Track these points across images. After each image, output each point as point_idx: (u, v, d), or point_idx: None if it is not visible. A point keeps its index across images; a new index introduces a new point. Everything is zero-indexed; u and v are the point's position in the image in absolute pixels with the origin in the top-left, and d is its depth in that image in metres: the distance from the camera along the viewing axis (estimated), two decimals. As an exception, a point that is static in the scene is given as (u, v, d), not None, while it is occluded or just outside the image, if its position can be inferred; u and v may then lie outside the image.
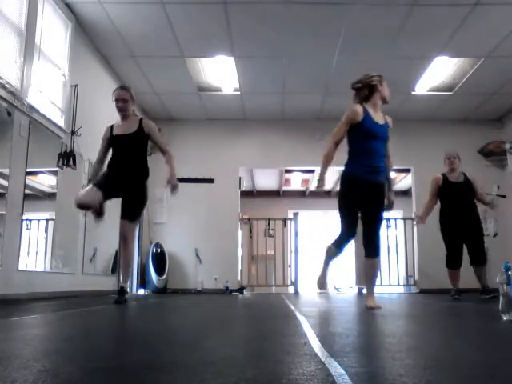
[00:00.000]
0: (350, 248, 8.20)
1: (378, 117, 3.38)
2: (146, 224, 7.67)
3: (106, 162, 3.96)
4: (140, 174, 3.84)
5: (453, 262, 4.92)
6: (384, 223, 7.97)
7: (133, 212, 3.81)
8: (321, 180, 3.43)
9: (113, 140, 3.86)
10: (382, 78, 3.44)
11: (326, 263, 3.46)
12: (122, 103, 3.82)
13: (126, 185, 3.75)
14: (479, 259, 4.85)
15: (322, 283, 3.45)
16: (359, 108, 3.36)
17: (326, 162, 3.40)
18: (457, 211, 4.89)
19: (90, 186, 3.65)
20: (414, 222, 5.33)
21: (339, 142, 3.40)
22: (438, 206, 5.07)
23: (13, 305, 3.40)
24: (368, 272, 3.46)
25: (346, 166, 3.44)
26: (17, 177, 4.04)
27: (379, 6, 4.85)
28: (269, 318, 2.71)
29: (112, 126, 3.93)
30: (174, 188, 3.78)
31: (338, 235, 3.40)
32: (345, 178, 3.45)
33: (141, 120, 3.88)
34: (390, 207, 3.48)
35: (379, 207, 3.39)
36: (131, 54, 5.90)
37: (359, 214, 3.38)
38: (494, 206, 5.21)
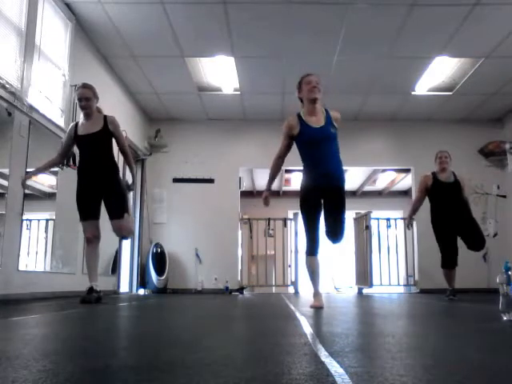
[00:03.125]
0: (350, 248, 8.21)
1: (316, 120, 3.40)
2: (146, 224, 7.67)
3: (63, 156, 4.16)
4: (109, 170, 3.88)
5: (448, 262, 4.92)
6: (384, 223, 8.07)
7: (117, 210, 3.84)
8: (265, 198, 3.57)
9: (77, 140, 3.91)
10: (305, 79, 3.44)
11: (313, 279, 3.45)
12: (86, 102, 3.84)
13: (100, 187, 3.82)
14: (479, 243, 4.81)
15: (318, 305, 3.32)
16: (292, 120, 3.43)
17: (271, 175, 3.59)
18: (447, 211, 4.88)
19: (83, 222, 3.91)
20: (407, 227, 5.31)
21: (283, 156, 3.53)
22: (428, 207, 5.06)
23: (13, 305, 3.40)
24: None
25: (302, 177, 3.53)
26: (17, 177, 4.04)
27: (379, 5, 4.85)
28: (269, 318, 2.71)
29: (77, 124, 3.95)
30: (130, 191, 4.07)
31: (306, 244, 3.46)
32: (302, 187, 3.51)
33: (105, 117, 3.91)
34: None
35: (338, 208, 3.41)
36: (131, 53, 5.90)
37: (319, 219, 3.43)
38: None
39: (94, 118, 3.89)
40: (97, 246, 3.92)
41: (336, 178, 3.41)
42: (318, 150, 3.35)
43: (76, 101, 3.90)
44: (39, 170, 4.08)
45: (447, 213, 4.88)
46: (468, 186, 5.13)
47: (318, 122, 3.40)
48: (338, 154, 3.43)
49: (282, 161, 3.55)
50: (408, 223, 5.24)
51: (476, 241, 4.82)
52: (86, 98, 3.83)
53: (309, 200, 3.42)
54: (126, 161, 4.04)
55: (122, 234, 3.80)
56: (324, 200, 3.42)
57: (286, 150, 3.50)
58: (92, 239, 3.88)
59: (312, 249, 3.41)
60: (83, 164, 3.92)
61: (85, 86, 3.91)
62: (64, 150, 4.07)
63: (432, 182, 4.99)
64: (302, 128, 3.38)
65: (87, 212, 3.86)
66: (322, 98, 3.45)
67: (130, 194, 4.15)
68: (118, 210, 3.83)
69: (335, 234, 3.43)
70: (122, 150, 4.00)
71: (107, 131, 3.85)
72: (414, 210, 5.16)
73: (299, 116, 3.44)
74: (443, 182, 4.96)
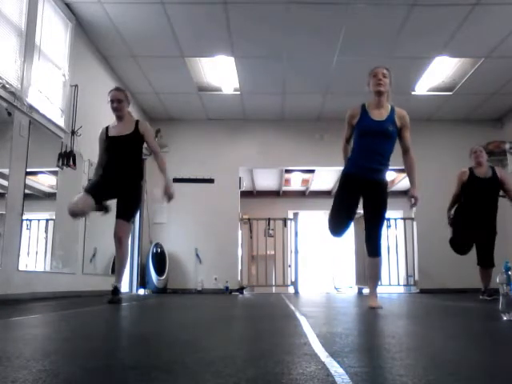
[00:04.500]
0: (350, 248, 8.21)
1: (378, 113, 3.36)
2: (146, 224, 7.67)
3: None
4: (134, 174, 3.86)
5: (459, 247, 4.84)
6: (384, 223, 8.07)
7: (128, 212, 3.83)
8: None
9: (108, 141, 3.88)
10: (372, 71, 3.40)
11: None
12: (118, 104, 3.83)
13: (120, 186, 3.78)
14: (487, 262, 4.80)
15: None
16: (356, 108, 3.44)
17: (343, 154, 3.58)
18: (478, 209, 4.79)
19: (82, 193, 3.71)
20: (447, 222, 5.12)
21: (349, 140, 3.52)
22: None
23: (13, 305, 3.40)
24: (370, 271, 3.47)
25: (346, 163, 3.52)
26: (17, 177, 4.04)
27: (379, 5, 4.86)
28: (269, 318, 2.71)
29: (107, 128, 3.94)
30: (170, 198, 3.82)
31: (329, 228, 3.55)
32: (341, 176, 3.55)
33: (137, 122, 3.91)
34: (414, 204, 3.41)
35: (376, 206, 3.39)
36: (131, 54, 5.90)
37: (352, 211, 3.44)
38: None
39: (125, 120, 3.89)
40: (121, 246, 3.75)
41: (376, 172, 3.36)
42: (369, 142, 3.33)
43: (109, 102, 3.86)
44: None
45: (477, 211, 4.78)
46: (509, 179, 4.90)
47: (379, 115, 3.36)
48: (388, 154, 3.37)
49: (348, 144, 3.55)
50: (448, 219, 5.03)
51: (486, 260, 4.80)
52: (117, 99, 3.83)
53: (344, 187, 3.44)
54: (158, 161, 3.89)
55: (119, 234, 3.79)
56: (363, 197, 3.40)
57: (349, 137, 3.51)
58: (72, 213, 3.58)
59: (332, 231, 3.54)
60: (109, 164, 3.85)
61: (118, 88, 3.98)
62: (102, 158, 3.93)
63: (468, 176, 4.91)
64: (361, 117, 3.38)
65: (94, 190, 3.69)
66: (388, 92, 3.40)
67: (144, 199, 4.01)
68: (128, 213, 3.82)
69: (370, 241, 3.37)
70: (154, 151, 3.93)
71: (138, 135, 3.83)
72: (451, 205, 5.02)
73: (363, 105, 3.44)
74: (480, 177, 4.85)
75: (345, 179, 3.47)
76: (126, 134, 3.83)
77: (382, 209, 3.38)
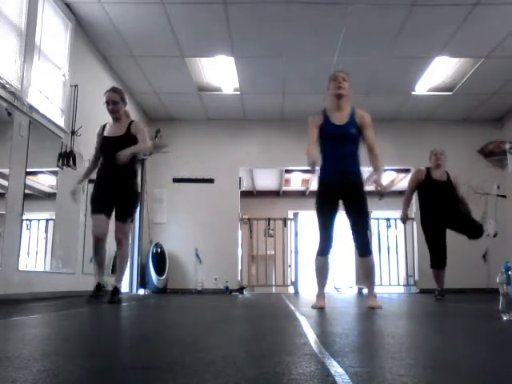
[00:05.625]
0: (350, 248, 8.20)
1: (339, 116, 3.36)
2: (146, 224, 7.67)
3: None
4: (127, 174, 3.85)
5: (437, 262, 4.85)
6: (384, 223, 8.07)
7: (124, 213, 3.83)
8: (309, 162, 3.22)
9: (102, 140, 3.89)
10: (332, 76, 3.41)
11: (318, 279, 3.40)
12: (113, 105, 3.82)
13: (116, 188, 3.79)
14: (477, 230, 4.76)
15: (320, 305, 3.27)
16: (318, 115, 3.40)
17: (308, 155, 3.20)
18: (437, 210, 4.79)
19: (94, 215, 3.80)
20: (402, 222, 5.20)
21: (313, 143, 3.36)
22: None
23: (13, 305, 3.40)
24: (364, 271, 3.47)
25: (319, 173, 3.48)
26: (17, 177, 4.04)
27: (379, 5, 4.86)
28: (269, 318, 2.71)
29: (105, 126, 3.95)
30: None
31: (318, 243, 3.43)
32: (319, 185, 3.49)
33: (130, 123, 3.89)
34: (380, 194, 3.33)
35: (356, 206, 3.36)
36: (131, 54, 5.90)
37: (334, 218, 3.39)
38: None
39: (121, 121, 3.87)
40: (120, 247, 3.82)
41: (351, 174, 3.34)
42: (335, 147, 3.32)
43: (104, 103, 3.85)
44: (84, 179, 4.13)
45: (436, 212, 4.78)
46: (460, 185, 5.02)
47: (340, 118, 3.35)
48: (356, 154, 3.36)
49: (313, 145, 3.35)
50: (403, 219, 5.11)
51: (473, 228, 4.74)
52: (113, 101, 3.81)
53: (322, 197, 3.40)
54: (143, 147, 3.89)
55: (118, 235, 3.80)
56: (342, 200, 3.37)
57: (314, 136, 3.34)
58: (98, 237, 3.77)
59: (321, 248, 3.39)
60: (104, 165, 3.87)
61: (113, 89, 3.93)
62: (97, 154, 3.97)
63: (425, 178, 4.88)
64: (324, 122, 3.36)
65: (99, 206, 3.79)
66: (349, 96, 3.40)
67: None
68: (124, 214, 3.83)
69: (358, 241, 3.35)
70: (139, 147, 3.87)
71: (130, 136, 3.81)
72: (406, 204, 5.06)
73: (324, 111, 3.43)
74: (436, 179, 4.85)
75: (324, 188, 3.41)
76: (118, 135, 3.83)
77: (363, 207, 3.36)
